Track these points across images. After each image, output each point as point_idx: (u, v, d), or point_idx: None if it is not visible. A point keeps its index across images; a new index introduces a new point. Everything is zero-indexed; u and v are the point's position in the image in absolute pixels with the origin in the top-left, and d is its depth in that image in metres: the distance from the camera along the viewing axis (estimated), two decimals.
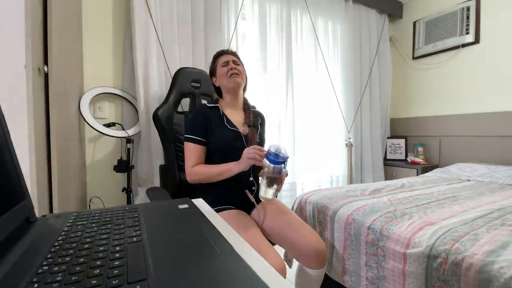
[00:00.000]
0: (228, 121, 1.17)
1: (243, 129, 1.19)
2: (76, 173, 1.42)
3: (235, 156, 1.09)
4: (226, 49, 1.27)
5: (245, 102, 1.28)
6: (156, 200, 0.95)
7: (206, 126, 1.14)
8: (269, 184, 0.99)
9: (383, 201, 1.37)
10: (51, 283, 0.30)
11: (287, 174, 1.11)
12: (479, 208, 1.24)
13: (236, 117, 1.21)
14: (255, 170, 1.18)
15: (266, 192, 1.01)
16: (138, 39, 1.61)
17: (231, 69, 1.17)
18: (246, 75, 1.26)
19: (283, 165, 0.97)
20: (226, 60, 1.19)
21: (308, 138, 2.45)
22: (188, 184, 1.18)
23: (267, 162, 0.96)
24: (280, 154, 0.95)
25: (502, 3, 2.29)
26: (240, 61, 1.25)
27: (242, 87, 1.24)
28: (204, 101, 1.57)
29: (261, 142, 1.27)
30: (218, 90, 1.26)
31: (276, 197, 1.05)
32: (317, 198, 1.46)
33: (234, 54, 1.25)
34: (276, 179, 0.99)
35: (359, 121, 2.75)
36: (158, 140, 1.45)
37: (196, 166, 1.11)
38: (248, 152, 0.99)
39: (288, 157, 0.98)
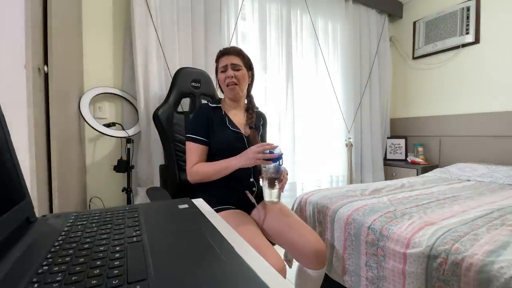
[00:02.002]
0: (230, 121, 1.17)
1: (245, 129, 1.18)
2: (76, 173, 1.42)
3: None
4: (229, 47, 1.21)
5: (250, 101, 1.26)
6: (156, 200, 0.95)
7: (208, 126, 1.13)
8: (270, 185, 0.99)
9: (383, 201, 1.37)
10: (51, 283, 0.30)
11: (287, 174, 1.11)
12: (479, 208, 1.24)
13: (238, 118, 1.21)
14: (256, 171, 1.18)
15: (270, 194, 1.01)
16: (138, 39, 1.61)
17: (228, 77, 1.14)
18: (252, 74, 1.23)
19: (279, 162, 0.97)
20: (225, 65, 1.15)
21: (308, 138, 2.45)
22: (188, 184, 1.18)
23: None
24: (274, 152, 0.96)
25: (502, 3, 2.29)
26: (244, 61, 1.19)
27: (244, 91, 1.21)
28: (204, 101, 1.57)
29: None
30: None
31: (280, 198, 1.05)
32: (317, 198, 1.46)
33: (237, 53, 1.18)
34: (276, 179, 0.99)
35: (359, 121, 2.75)
36: (158, 140, 1.45)
37: (195, 165, 1.10)
38: (256, 151, 0.97)
39: (282, 154, 0.98)
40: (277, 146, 0.99)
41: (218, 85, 1.27)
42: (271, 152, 0.96)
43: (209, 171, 1.08)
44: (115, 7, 1.69)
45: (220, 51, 1.21)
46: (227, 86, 1.15)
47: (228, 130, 1.15)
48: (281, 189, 1.04)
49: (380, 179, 2.73)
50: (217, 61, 1.21)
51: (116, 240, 0.42)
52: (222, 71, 1.17)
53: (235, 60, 1.16)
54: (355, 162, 2.70)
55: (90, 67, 1.61)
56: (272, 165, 0.97)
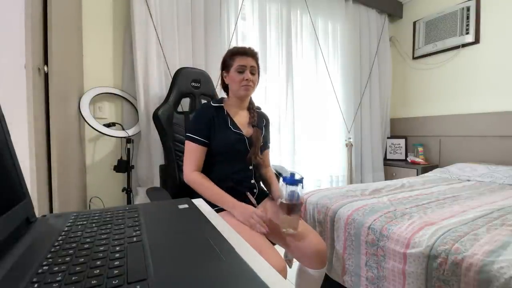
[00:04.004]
0: (233, 123, 1.15)
1: (247, 130, 1.17)
2: (76, 173, 1.42)
3: (237, 158, 1.10)
4: (247, 48, 1.15)
5: (250, 101, 1.25)
6: (156, 200, 0.95)
7: (210, 126, 1.11)
8: (289, 212, 0.94)
9: (383, 201, 1.37)
10: (51, 283, 0.30)
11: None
12: (479, 208, 1.24)
13: (240, 118, 1.19)
14: (257, 172, 1.18)
15: (290, 222, 0.95)
16: (138, 39, 1.61)
17: (246, 80, 1.11)
18: (258, 76, 1.22)
19: (301, 185, 0.93)
20: (244, 65, 1.11)
21: (308, 138, 2.45)
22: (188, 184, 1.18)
23: (285, 185, 0.93)
24: (294, 178, 0.92)
25: (502, 3, 2.28)
26: (257, 64, 1.17)
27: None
28: (204, 101, 1.57)
29: (265, 145, 1.24)
30: (226, 86, 1.21)
31: (297, 228, 0.99)
32: (317, 198, 1.46)
33: (254, 56, 1.15)
34: (296, 206, 0.94)
35: (359, 121, 2.75)
36: (158, 140, 1.45)
37: (195, 174, 1.08)
38: (257, 216, 0.96)
39: (303, 178, 0.94)
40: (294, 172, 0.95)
41: (220, 82, 1.24)
42: (292, 175, 0.92)
43: (205, 191, 1.05)
44: (115, 7, 1.69)
45: (238, 49, 1.16)
46: (242, 86, 1.13)
47: (229, 131, 1.13)
48: (300, 216, 0.98)
49: (380, 179, 2.73)
50: (231, 58, 1.14)
51: (116, 240, 0.42)
52: (239, 71, 1.12)
53: (253, 63, 1.14)
54: (355, 162, 2.70)
55: (90, 67, 1.61)
56: (291, 189, 0.92)
